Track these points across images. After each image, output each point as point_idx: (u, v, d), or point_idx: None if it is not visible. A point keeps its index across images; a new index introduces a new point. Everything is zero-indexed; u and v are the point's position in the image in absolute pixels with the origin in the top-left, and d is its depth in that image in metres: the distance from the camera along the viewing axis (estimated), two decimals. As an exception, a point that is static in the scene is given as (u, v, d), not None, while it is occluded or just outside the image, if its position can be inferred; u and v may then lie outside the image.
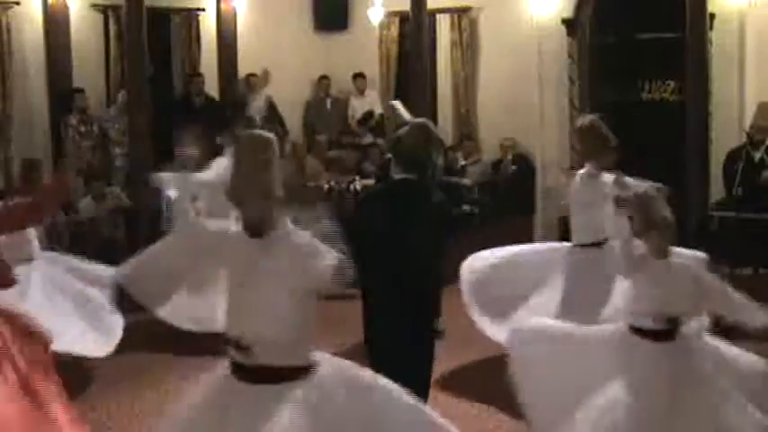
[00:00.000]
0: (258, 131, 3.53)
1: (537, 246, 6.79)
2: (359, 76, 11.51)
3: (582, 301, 5.64)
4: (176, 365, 6.39)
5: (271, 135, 3.45)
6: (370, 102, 11.53)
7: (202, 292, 6.65)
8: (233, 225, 3.48)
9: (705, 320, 5.17)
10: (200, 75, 10.47)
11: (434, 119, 10.12)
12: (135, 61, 8.54)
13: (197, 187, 6.78)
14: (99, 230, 8.56)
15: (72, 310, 6.15)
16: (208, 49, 10.82)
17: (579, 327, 4.56)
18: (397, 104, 7.08)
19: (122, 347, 6.23)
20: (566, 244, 6.27)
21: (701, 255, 5.47)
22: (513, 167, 10.45)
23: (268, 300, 3.29)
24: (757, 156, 8.14)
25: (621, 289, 5.53)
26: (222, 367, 3.46)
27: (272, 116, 10.61)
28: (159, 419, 3.63)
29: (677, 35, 8.75)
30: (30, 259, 6.16)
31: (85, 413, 5.00)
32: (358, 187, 9.69)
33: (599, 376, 4.23)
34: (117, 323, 6.19)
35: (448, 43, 11.01)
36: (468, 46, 10.89)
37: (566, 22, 10.00)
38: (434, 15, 10.75)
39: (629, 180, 5.55)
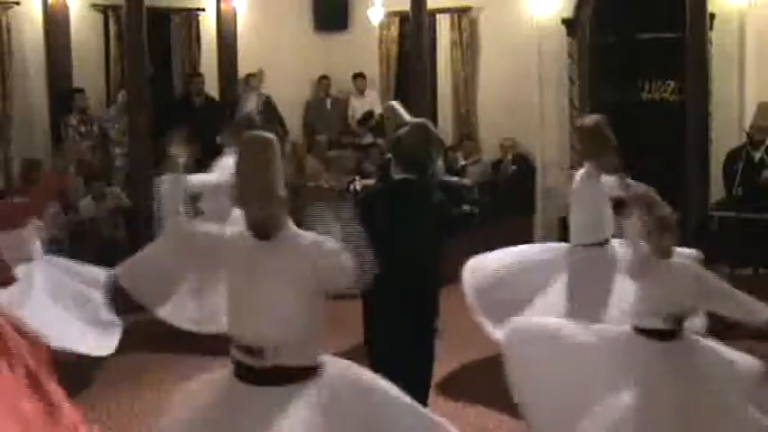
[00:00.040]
0: (259, 132, 3.53)
1: (537, 246, 6.76)
2: (359, 76, 11.51)
3: (585, 302, 5.64)
4: (176, 365, 6.38)
5: (271, 135, 3.45)
6: (370, 102, 11.52)
7: (201, 293, 6.70)
8: (234, 227, 3.48)
9: (703, 320, 5.19)
10: (200, 75, 10.47)
11: (434, 119, 10.13)
12: (135, 61, 8.54)
13: (199, 188, 6.79)
14: (99, 230, 8.56)
15: (72, 309, 6.16)
16: (208, 49, 10.82)
17: (580, 326, 4.56)
18: (396, 105, 7.07)
19: (122, 347, 6.24)
20: (565, 244, 6.27)
21: (695, 253, 5.47)
22: (513, 167, 10.45)
23: (279, 301, 3.28)
24: (757, 156, 8.13)
25: (622, 288, 5.56)
26: (224, 370, 3.45)
27: (272, 116, 10.59)
28: (159, 419, 3.62)
29: (677, 35, 8.75)
30: (30, 259, 6.16)
31: (85, 413, 4.99)
32: (358, 187, 9.68)
33: (600, 377, 4.24)
34: (115, 324, 6.20)
35: (448, 43, 11.01)
36: (468, 46, 10.89)
37: (566, 22, 10.00)
38: (434, 15, 10.74)
39: (631, 182, 5.55)
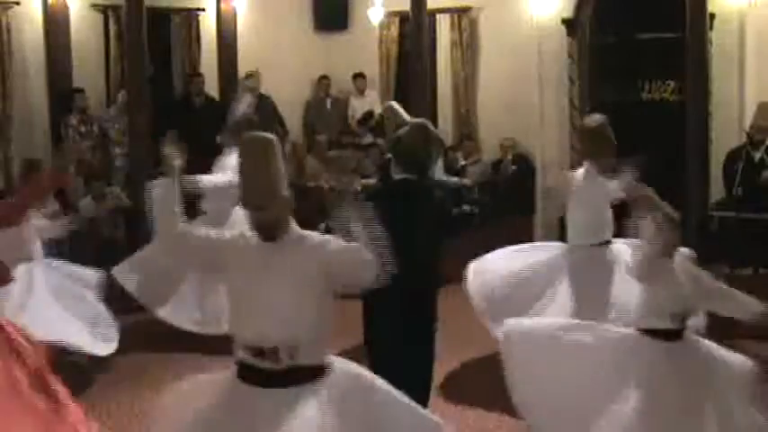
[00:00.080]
0: (259, 133, 3.52)
1: (538, 247, 6.71)
2: (359, 76, 11.50)
3: (588, 302, 5.65)
4: (176, 365, 6.38)
5: (271, 135, 3.45)
6: (370, 102, 11.52)
7: (202, 294, 6.70)
8: (235, 228, 3.48)
9: (702, 320, 5.18)
10: (200, 75, 10.47)
11: (434, 119, 10.12)
12: (135, 61, 8.53)
13: (210, 189, 6.80)
14: (99, 230, 8.56)
15: (72, 308, 6.16)
16: (208, 49, 10.81)
17: (581, 326, 4.56)
18: (396, 105, 7.08)
19: (122, 347, 6.24)
20: (565, 244, 6.26)
21: (689, 252, 5.47)
22: (513, 167, 10.45)
23: (291, 302, 3.28)
24: (757, 156, 8.13)
25: (621, 289, 5.55)
26: (225, 372, 3.44)
27: (269, 116, 10.58)
28: (152, 420, 3.60)
29: (677, 35, 8.74)
30: (30, 259, 6.17)
31: (85, 413, 4.99)
32: (358, 187, 9.67)
33: (601, 377, 4.24)
34: (113, 325, 6.20)
35: (448, 43, 10.99)
36: (468, 46, 10.88)
37: (566, 22, 10.00)
38: (434, 15, 10.73)
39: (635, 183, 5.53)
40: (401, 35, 11.41)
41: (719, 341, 4.44)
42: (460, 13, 10.87)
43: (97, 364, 6.29)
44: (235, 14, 11.01)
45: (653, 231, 4.25)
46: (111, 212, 8.76)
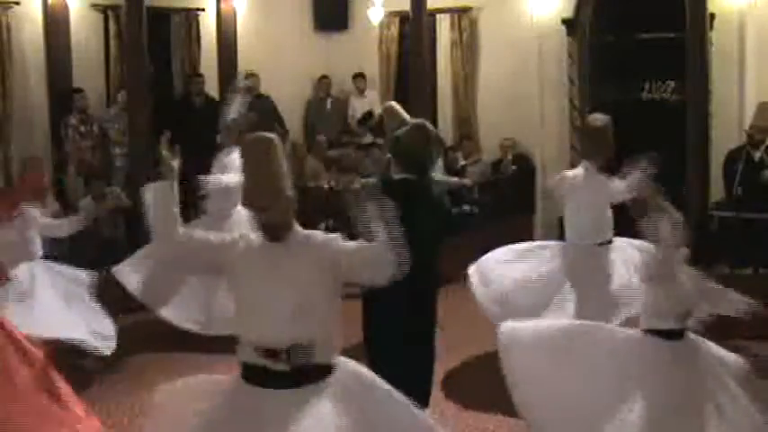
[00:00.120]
0: (260, 133, 3.51)
1: (539, 246, 6.70)
2: (359, 76, 11.51)
3: (589, 302, 5.65)
4: (176, 365, 6.38)
5: (273, 135, 3.44)
6: (370, 102, 11.52)
7: (204, 296, 6.70)
8: (235, 228, 3.48)
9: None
10: (200, 75, 10.47)
11: (434, 119, 10.13)
12: (135, 61, 8.53)
13: (220, 188, 6.80)
14: (99, 230, 8.55)
15: (73, 307, 6.17)
16: (208, 49, 10.81)
17: (583, 326, 4.56)
18: (396, 105, 7.08)
19: (122, 347, 6.24)
20: (565, 243, 6.26)
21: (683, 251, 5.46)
22: (513, 167, 10.45)
23: (303, 301, 3.27)
24: (757, 156, 8.13)
25: (620, 290, 5.56)
26: (229, 375, 3.43)
27: (268, 117, 10.57)
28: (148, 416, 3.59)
29: (677, 35, 8.75)
30: (31, 258, 6.17)
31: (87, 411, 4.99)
32: (357, 186, 9.67)
33: (602, 377, 4.24)
34: (110, 324, 6.20)
35: (448, 43, 11.00)
36: (468, 46, 10.88)
37: (566, 22, 10.00)
38: (434, 15, 10.74)
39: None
40: (401, 35, 11.41)
41: (719, 341, 4.44)
42: (460, 12, 10.87)
43: (97, 364, 6.29)
44: (235, 14, 11.01)
45: (669, 232, 4.25)
46: (111, 212, 8.74)
